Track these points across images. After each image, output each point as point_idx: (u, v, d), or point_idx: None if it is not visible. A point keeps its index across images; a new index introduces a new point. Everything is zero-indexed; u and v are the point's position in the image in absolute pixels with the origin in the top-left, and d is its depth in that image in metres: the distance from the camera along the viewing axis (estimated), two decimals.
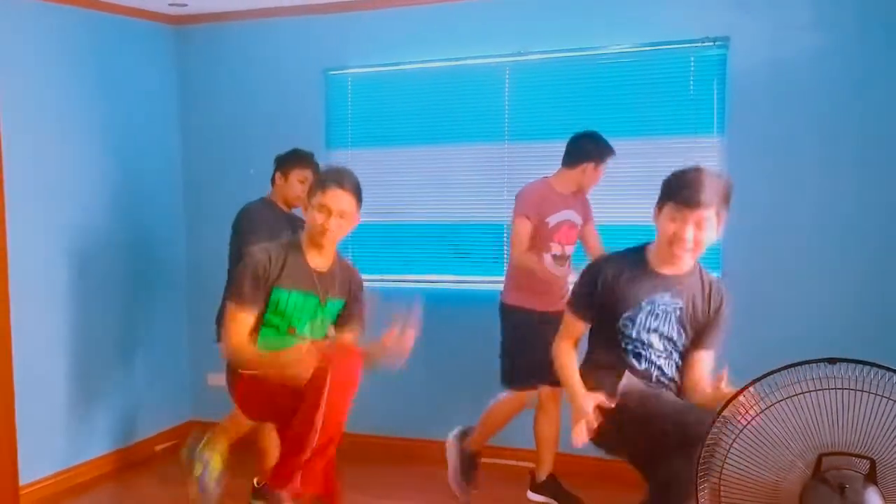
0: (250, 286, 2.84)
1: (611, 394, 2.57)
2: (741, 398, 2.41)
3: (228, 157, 4.91)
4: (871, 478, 2.62)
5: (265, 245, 2.98)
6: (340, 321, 3.12)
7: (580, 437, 2.48)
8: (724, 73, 4.00)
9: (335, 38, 4.68)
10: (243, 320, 2.85)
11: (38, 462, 4.05)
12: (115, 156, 4.51)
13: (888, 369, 2.59)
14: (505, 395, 3.85)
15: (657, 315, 2.67)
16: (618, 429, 2.61)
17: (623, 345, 2.72)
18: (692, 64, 4.07)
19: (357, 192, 2.95)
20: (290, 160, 3.89)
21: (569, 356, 2.79)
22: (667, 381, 2.74)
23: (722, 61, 4.00)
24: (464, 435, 3.98)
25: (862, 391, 2.63)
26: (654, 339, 2.66)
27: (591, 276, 2.76)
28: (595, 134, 3.77)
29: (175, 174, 5.01)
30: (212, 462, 3.46)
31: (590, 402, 2.52)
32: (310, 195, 2.90)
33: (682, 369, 2.77)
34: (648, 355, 2.70)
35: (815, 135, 3.88)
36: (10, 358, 3.84)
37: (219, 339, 3.78)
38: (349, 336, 3.09)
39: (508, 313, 3.84)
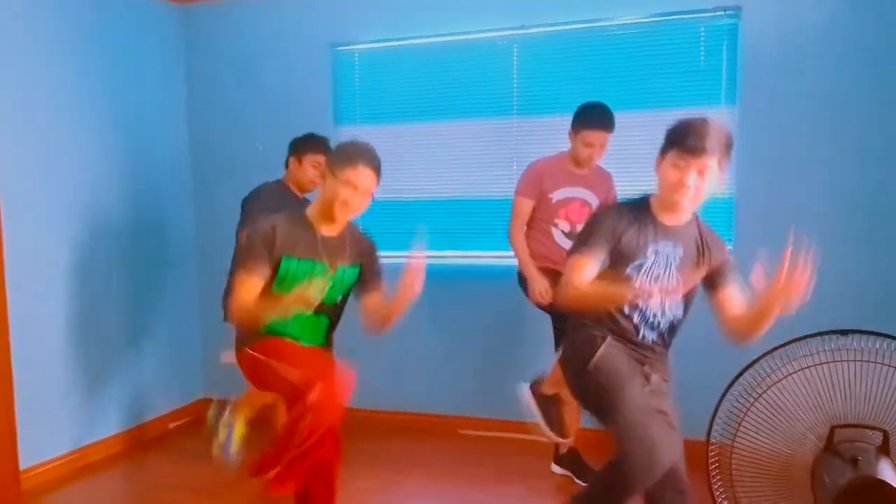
0: (257, 253, 2.82)
1: (587, 356, 2.61)
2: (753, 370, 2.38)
3: (236, 134, 4.90)
4: (884, 450, 2.61)
5: (271, 216, 2.97)
6: (361, 287, 3.09)
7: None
8: (734, 43, 3.95)
9: (342, 13, 4.64)
10: (251, 285, 2.81)
11: (47, 443, 4.06)
12: (121, 135, 4.50)
13: None
14: None
15: (660, 263, 2.63)
16: (582, 394, 2.71)
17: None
18: (702, 34, 4.02)
19: (380, 173, 2.96)
20: (306, 144, 3.81)
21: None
22: (652, 342, 2.70)
23: (733, 31, 3.95)
24: (536, 384, 3.95)
25: (874, 363, 2.62)
26: (656, 290, 2.59)
27: (604, 219, 2.66)
28: (587, 103, 3.68)
29: (183, 152, 5.01)
30: (236, 428, 3.49)
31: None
32: (334, 168, 2.86)
33: (716, 310, 2.70)
34: (645, 310, 2.66)
35: (826, 103, 3.83)
36: (7, 343, 3.72)
37: (226, 318, 3.79)
38: (376, 298, 3.04)
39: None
